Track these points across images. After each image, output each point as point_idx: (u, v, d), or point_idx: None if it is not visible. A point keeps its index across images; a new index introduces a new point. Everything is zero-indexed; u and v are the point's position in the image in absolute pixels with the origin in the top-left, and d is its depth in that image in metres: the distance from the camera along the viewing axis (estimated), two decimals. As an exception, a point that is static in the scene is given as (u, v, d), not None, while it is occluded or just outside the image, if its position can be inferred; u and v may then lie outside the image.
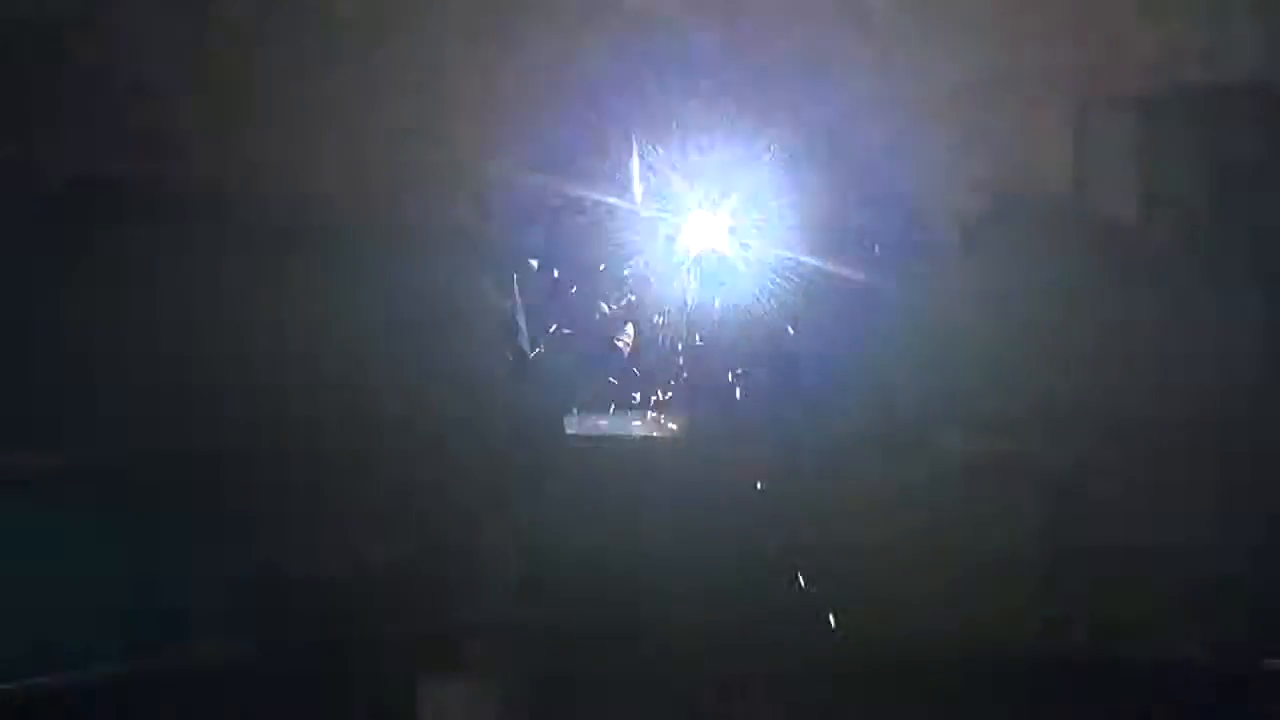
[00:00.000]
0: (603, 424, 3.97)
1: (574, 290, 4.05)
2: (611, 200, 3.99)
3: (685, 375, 3.98)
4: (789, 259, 3.92)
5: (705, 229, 3.96)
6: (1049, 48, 5.02)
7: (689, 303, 3.98)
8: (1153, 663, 3.28)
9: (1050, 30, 5.02)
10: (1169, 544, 4.53)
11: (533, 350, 3.97)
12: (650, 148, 4.02)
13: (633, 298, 3.97)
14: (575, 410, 3.94)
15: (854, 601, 4.15)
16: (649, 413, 4.03)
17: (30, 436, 5.35)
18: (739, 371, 4.06)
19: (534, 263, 3.98)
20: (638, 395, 4.05)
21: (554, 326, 4.02)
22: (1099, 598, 3.82)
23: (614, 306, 3.97)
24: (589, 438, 3.92)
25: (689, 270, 3.97)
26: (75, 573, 5.38)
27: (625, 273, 3.99)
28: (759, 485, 3.97)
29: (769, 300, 4.05)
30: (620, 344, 3.95)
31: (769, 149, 4.29)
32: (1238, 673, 3.65)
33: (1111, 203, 4.84)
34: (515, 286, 3.96)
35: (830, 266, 4.05)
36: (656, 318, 4.00)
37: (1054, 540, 3.66)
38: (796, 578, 4.35)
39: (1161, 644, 3.99)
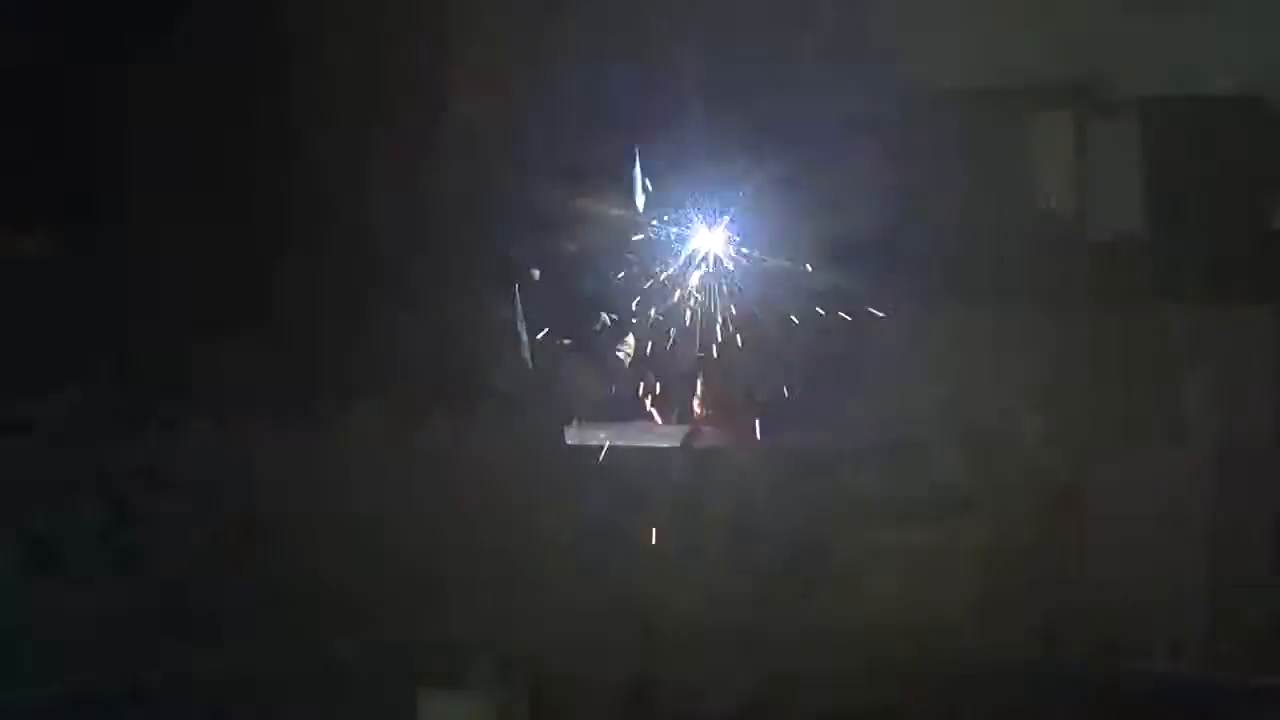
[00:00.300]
0: (603, 434, 3.97)
1: (574, 301, 4.05)
2: (613, 210, 3.99)
3: (688, 384, 3.97)
4: (790, 269, 3.91)
5: (706, 238, 3.96)
6: (1049, 56, 5.02)
7: (691, 312, 3.98)
8: (1154, 678, 3.27)
9: (1050, 38, 5.02)
10: (1174, 556, 4.53)
11: (533, 361, 3.96)
12: (651, 156, 4.01)
13: (634, 308, 3.97)
14: (575, 421, 3.93)
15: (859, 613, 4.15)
16: (650, 423, 4.03)
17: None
18: (742, 380, 4.06)
19: (535, 273, 3.98)
20: (639, 405, 4.05)
21: (554, 337, 4.02)
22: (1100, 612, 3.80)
23: (614, 316, 3.97)
24: (589, 448, 3.92)
25: (691, 280, 3.97)
26: (69, 578, 5.37)
27: (626, 283, 3.99)
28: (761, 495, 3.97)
29: (770, 310, 4.05)
30: (621, 354, 3.95)
31: (770, 158, 4.28)
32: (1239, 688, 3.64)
33: (1112, 213, 4.84)
34: (516, 296, 3.95)
35: (832, 276, 4.04)
36: (656, 327, 4.00)
37: (1057, 554, 3.65)
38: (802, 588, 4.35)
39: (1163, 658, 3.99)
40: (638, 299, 3.96)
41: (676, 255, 3.96)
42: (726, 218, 3.93)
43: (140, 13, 5.37)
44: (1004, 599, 3.86)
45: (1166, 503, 4.61)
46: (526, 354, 3.92)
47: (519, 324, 3.93)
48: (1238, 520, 4.57)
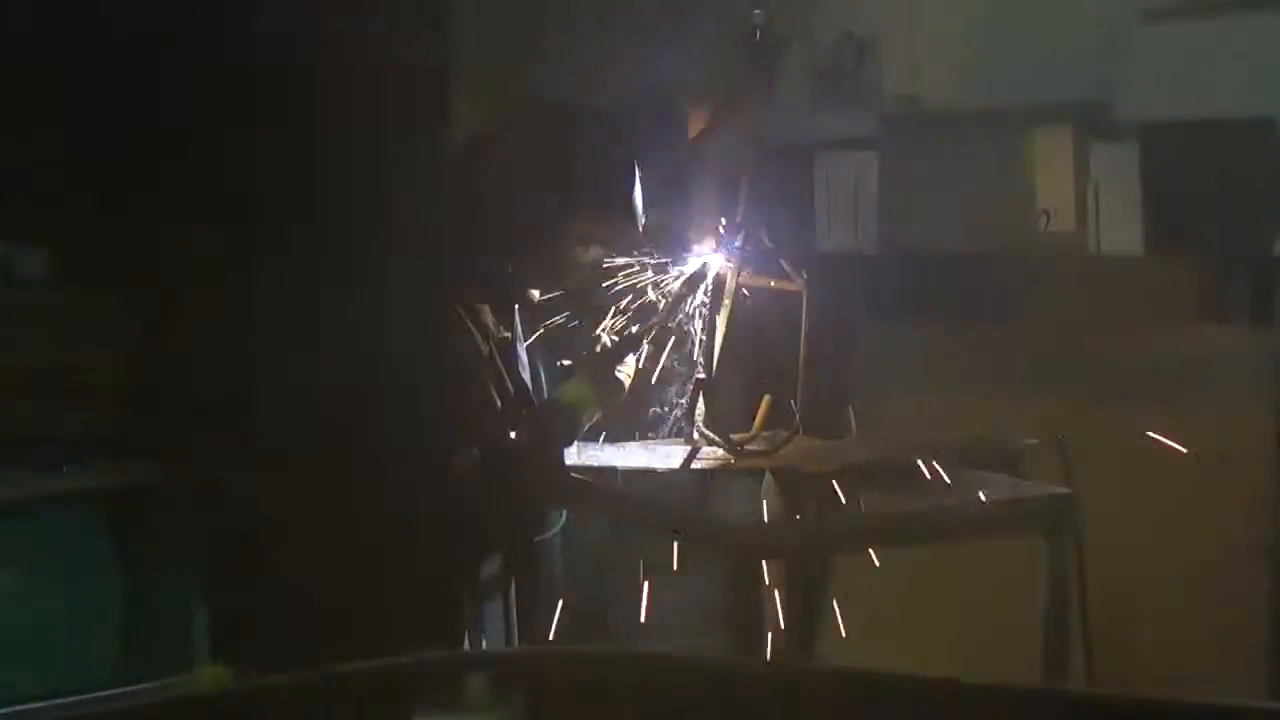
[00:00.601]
0: (603, 456, 3.96)
1: (574, 322, 4.04)
2: (613, 229, 3.97)
3: (686, 405, 3.95)
4: (791, 291, 3.89)
5: (707, 258, 3.94)
6: (1050, 79, 5.01)
7: (691, 333, 3.96)
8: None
9: (1052, 58, 5.02)
10: (1173, 582, 4.52)
11: (532, 383, 3.95)
12: (650, 175, 4.00)
13: (634, 329, 3.96)
14: (575, 442, 3.92)
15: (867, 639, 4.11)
16: (651, 444, 4.02)
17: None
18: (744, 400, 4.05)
19: (535, 294, 3.97)
20: (639, 426, 4.04)
21: (553, 358, 4.01)
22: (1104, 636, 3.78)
23: (615, 338, 3.96)
24: (590, 470, 3.90)
25: (691, 300, 3.95)
26: (66, 599, 5.36)
27: (626, 304, 3.98)
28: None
29: (770, 330, 4.04)
30: (621, 376, 3.94)
31: (770, 178, 4.26)
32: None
33: (1114, 235, 4.83)
34: (515, 318, 3.94)
35: (833, 298, 4.02)
36: (657, 348, 3.99)
37: (1055, 579, 3.63)
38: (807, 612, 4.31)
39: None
40: (638, 321, 3.95)
41: (677, 275, 3.94)
42: (726, 238, 3.91)
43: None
44: (1009, 624, 3.84)
45: (1165, 522, 4.61)
46: (527, 376, 3.91)
47: (519, 345, 3.92)
48: (1235, 541, 4.57)
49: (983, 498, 3.69)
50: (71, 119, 5.61)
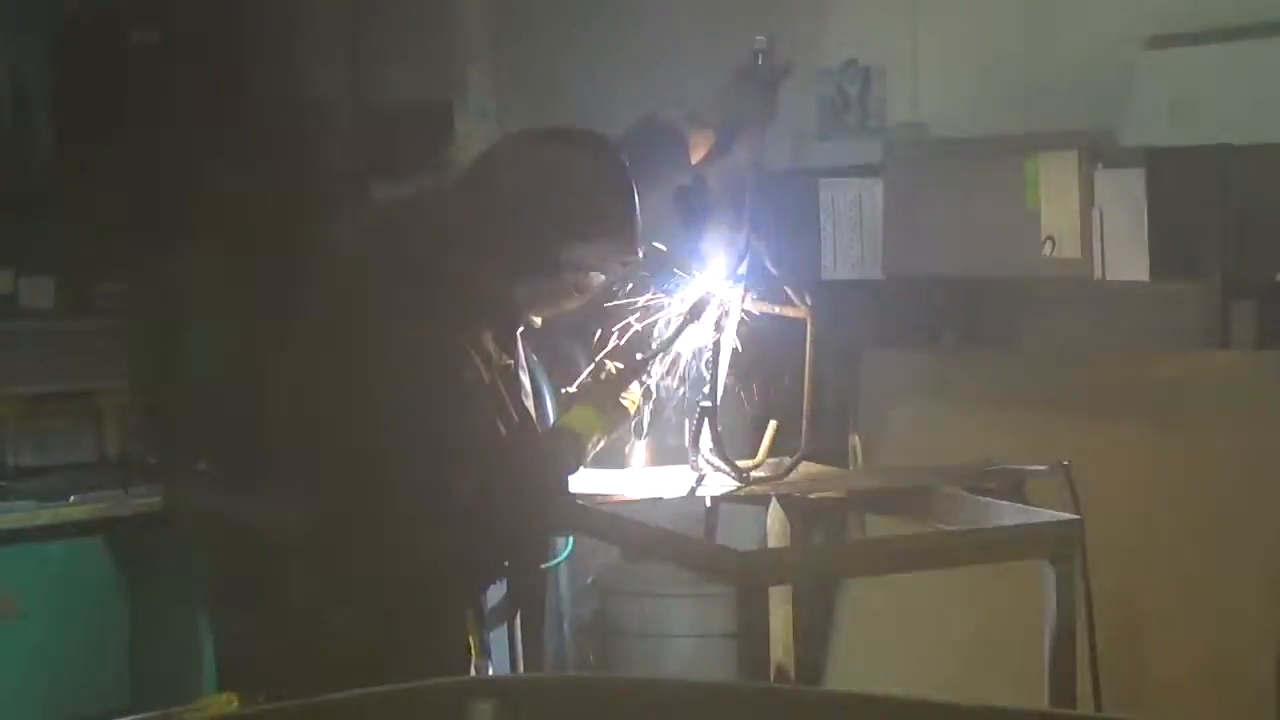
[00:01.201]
0: (608, 481, 3.95)
1: (578, 348, 4.04)
2: (616, 256, 3.96)
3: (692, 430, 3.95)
4: (795, 318, 3.89)
5: (710, 284, 3.94)
6: (1054, 106, 5.02)
7: (695, 357, 3.96)
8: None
9: (1058, 84, 5.03)
10: (1180, 608, 4.52)
11: (536, 410, 3.95)
12: (652, 202, 3.99)
13: (639, 355, 3.95)
14: (580, 469, 3.91)
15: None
16: (655, 468, 4.02)
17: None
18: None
19: (537, 320, 3.97)
20: (644, 452, 4.04)
21: (558, 385, 4.00)
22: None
23: (619, 365, 3.95)
24: (593, 495, 3.90)
25: (695, 326, 3.95)
26: (73, 627, 5.36)
27: (630, 330, 3.97)
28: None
29: (775, 356, 4.04)
30: (625, 403, 3.93)
31: (774, 204, 4.25)
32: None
33: (1118, 261, 4.83)
34: (518, 344, 3.94)
35: (838, 324, 4.02)
36: (663, 375, 3.98)
37: (1061, 605, 3.62)
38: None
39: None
40: (642, 347, 3.95)
41: (680, 301, 3.94)
42: (730, 264, 3.90)
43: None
44: (1015, 649, 3.83)
45: (1171, 548, 4.60)
46: (530, 403, 3.90)
47: (521, 372, 3.91)
48: (1243, 567, 4.56)
49: (988, 524, 3.69)
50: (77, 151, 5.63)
